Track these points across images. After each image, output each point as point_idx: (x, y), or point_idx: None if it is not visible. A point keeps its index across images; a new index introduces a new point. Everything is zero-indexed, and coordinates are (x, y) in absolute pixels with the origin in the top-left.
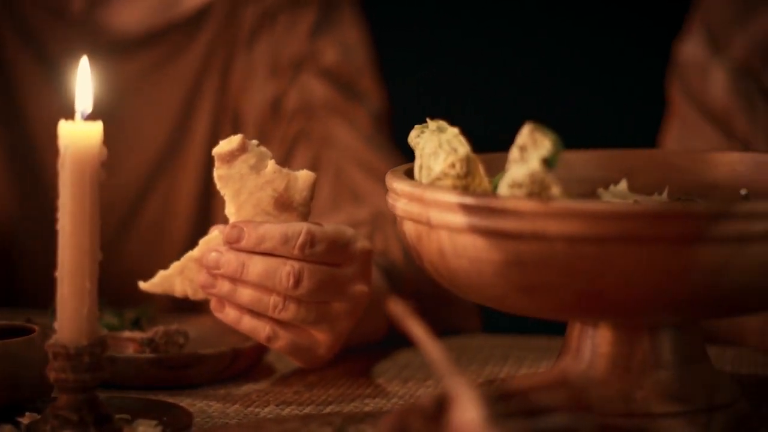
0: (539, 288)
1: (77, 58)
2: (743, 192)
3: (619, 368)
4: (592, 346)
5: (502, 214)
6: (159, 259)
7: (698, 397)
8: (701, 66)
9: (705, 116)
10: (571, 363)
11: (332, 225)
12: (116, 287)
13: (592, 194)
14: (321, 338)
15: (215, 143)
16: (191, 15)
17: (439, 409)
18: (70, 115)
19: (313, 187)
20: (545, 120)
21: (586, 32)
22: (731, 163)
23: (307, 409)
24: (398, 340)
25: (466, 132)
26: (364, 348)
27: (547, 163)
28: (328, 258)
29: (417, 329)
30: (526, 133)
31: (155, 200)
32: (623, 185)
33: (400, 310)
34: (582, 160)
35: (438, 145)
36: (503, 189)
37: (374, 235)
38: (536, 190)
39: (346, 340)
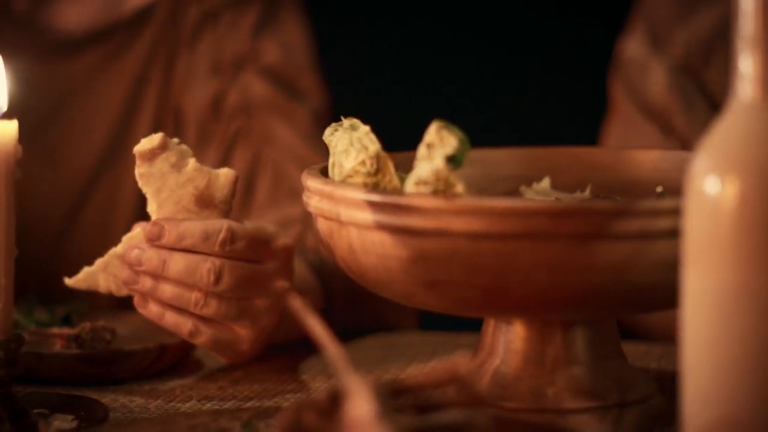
0: (444, 284)
1: (21, 57)
2: (659, 189)
3: (532, 364)
4: (505, 343)
5: (407, 211)
6: (103, 255)
7: (610, 393)
8: (642, 64)
9: (645, 114)
10: (486, 359)
11: (253, 222)
12: (60, 283)
13: (515, 192)
14: (243, 334)
15: None
16: (135, 14)
17: (333, 404)
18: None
19: (235, 185)
20: (489, 119)
21: (533, 32)
22: (653, 161)
23: (228, 404)
24: None
25: (408, 130)
26: (292, 344)
27: (453, 161)
28: (248, 255)
29: (314, 325)
30: (433, 131)
31: (99, 197)
32: (546, 183)
33: (298, 305)
34: (506, 157)
35: (349, 143)
36: (409, 186)
37: (306, 232)
38: (441, 187)
39: (273, 336)
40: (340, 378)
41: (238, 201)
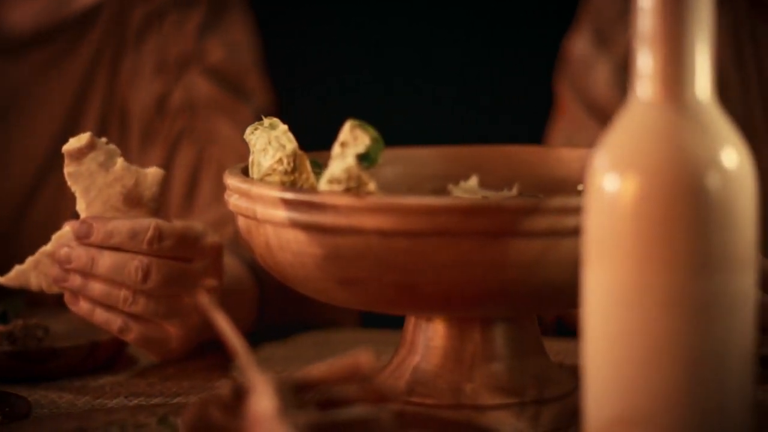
0: (357, 281)
1: None
2: (580, 188)
3: (451, 361)
4: (425, 340)
5: (320, 209)
6: None
7: (528, 390)
8: (588, 62)
9: (590, 111)
10: (406, 356)
11: (182, 221)
12: None
13: (443, 190)
14: (173, 331)
15: None
16: (81, 15)
17: (237, 398)
18: None
19: (162, 184)
20: (433, 118)
21: (477, 31)
22: (581, 159)
23: (156, 401)
24: (264, 334)
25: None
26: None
27: (366, 159)
28: (176, 253)
29: (220, 321)
30: (347, 130)
31: (45, 198)
32: (473, 181)
33: (205, 302)
34: (434, 156)
35: (267, 142)
36: (323, 184)
37: None
38: (353, 185)
39: (203, 333)
40: (244, 373)
41: (182, 198)
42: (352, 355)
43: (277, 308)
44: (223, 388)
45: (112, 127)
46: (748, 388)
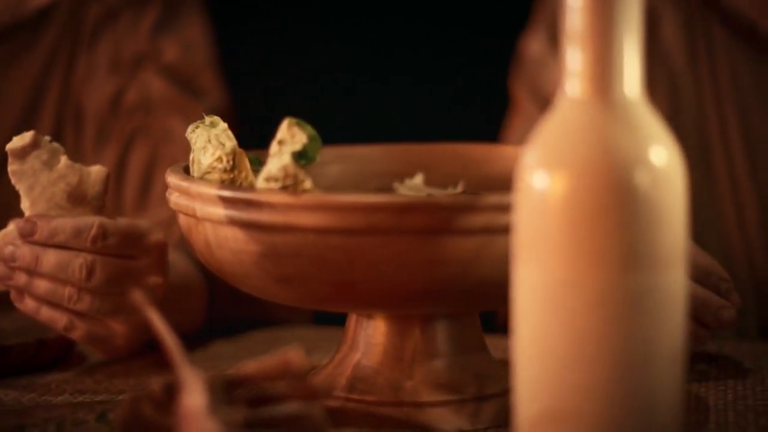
0: (295, 279)
1: None
2: None
3: (391, 358)
4: (366, 337)
5: (257, 207)
6: None
7: (468, 387)
8: (544, 62)
9: (545, 110)
10: (347, 353)
11: (126, 219)
12: None
13: (388, 188)
14: (118, 329)
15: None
16: (36, 14)
17: (169, 395)
18: None
19: (107, 182)
20: (382, 115)
21: (436, 29)
22: None
23: (101, 397)
24: (213, 332)
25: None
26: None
27: (303, 157)
28: (121, 250)
29: (154, 318)
30: (284, 128)
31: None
32: (419, 179)
33: (139, 299)
34: (380, 154)
35: (207, 140)
36: (260, 182)
37: None
38: (289, 183)
39: (149, 331)
40: (177, 370)
41: (136, 197)
42: (282, 352)
43: (227, 306)
44: (155, 385)
45: (67, 125)
46: (678, 385)
